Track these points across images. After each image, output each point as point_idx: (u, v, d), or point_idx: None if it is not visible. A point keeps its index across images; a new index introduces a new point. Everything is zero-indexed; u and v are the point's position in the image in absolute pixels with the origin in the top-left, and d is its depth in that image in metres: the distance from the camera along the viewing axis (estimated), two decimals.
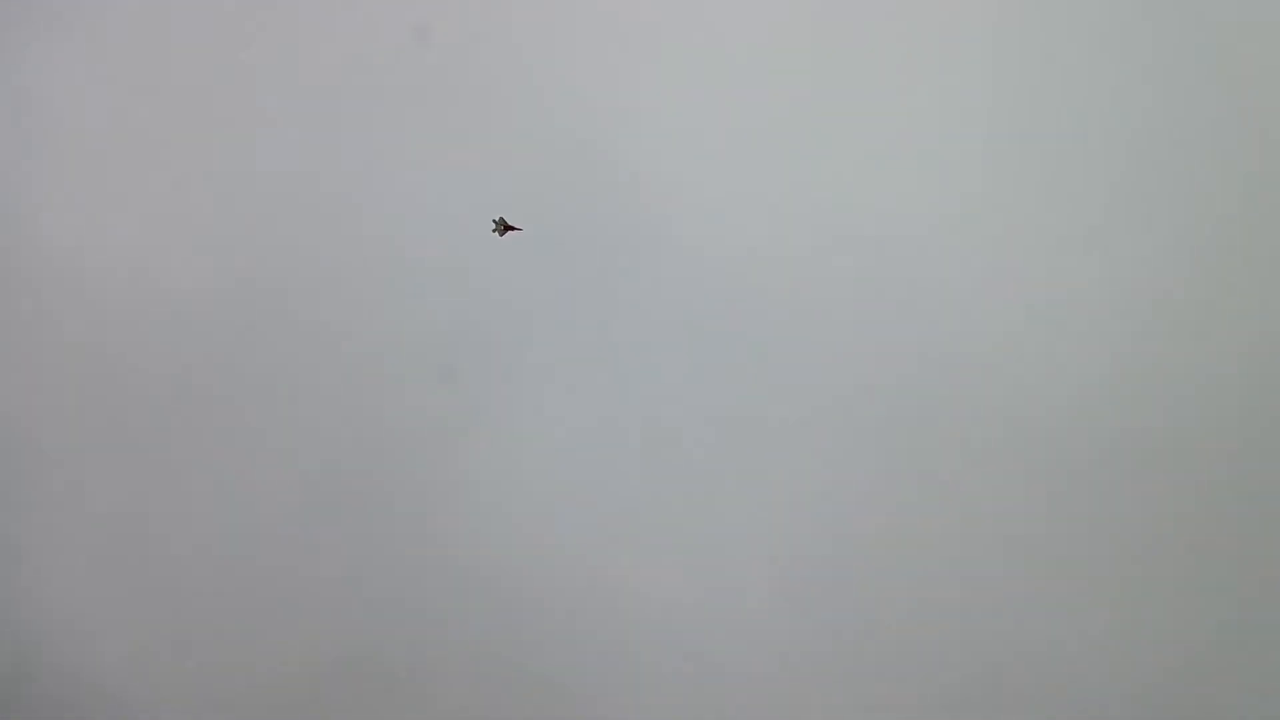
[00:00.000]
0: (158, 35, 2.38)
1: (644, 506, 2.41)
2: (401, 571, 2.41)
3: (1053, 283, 2.38)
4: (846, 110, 2.40)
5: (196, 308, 2.42)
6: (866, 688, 2.38)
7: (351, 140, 2.40)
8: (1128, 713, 2.36)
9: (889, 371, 2.40)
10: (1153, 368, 2.36)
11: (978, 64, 2.38)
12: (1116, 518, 2.37)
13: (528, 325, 2.42)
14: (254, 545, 2.41)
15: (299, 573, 2.41)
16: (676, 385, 2.41)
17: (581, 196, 2.43)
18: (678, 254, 2.42)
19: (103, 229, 2.41)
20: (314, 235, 2.41)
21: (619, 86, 2.42)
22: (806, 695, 2.39)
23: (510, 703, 2.39)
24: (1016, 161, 2.39)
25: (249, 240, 2.41)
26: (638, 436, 2.40)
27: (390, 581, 2.41)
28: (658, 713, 2.39)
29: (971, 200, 2.39)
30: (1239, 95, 2.37)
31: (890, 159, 2.40)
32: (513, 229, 2.34)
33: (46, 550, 2.42)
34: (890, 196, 2.39)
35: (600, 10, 2.41)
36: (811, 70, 2.40)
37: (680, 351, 2.41)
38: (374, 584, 2.42)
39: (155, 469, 2.42)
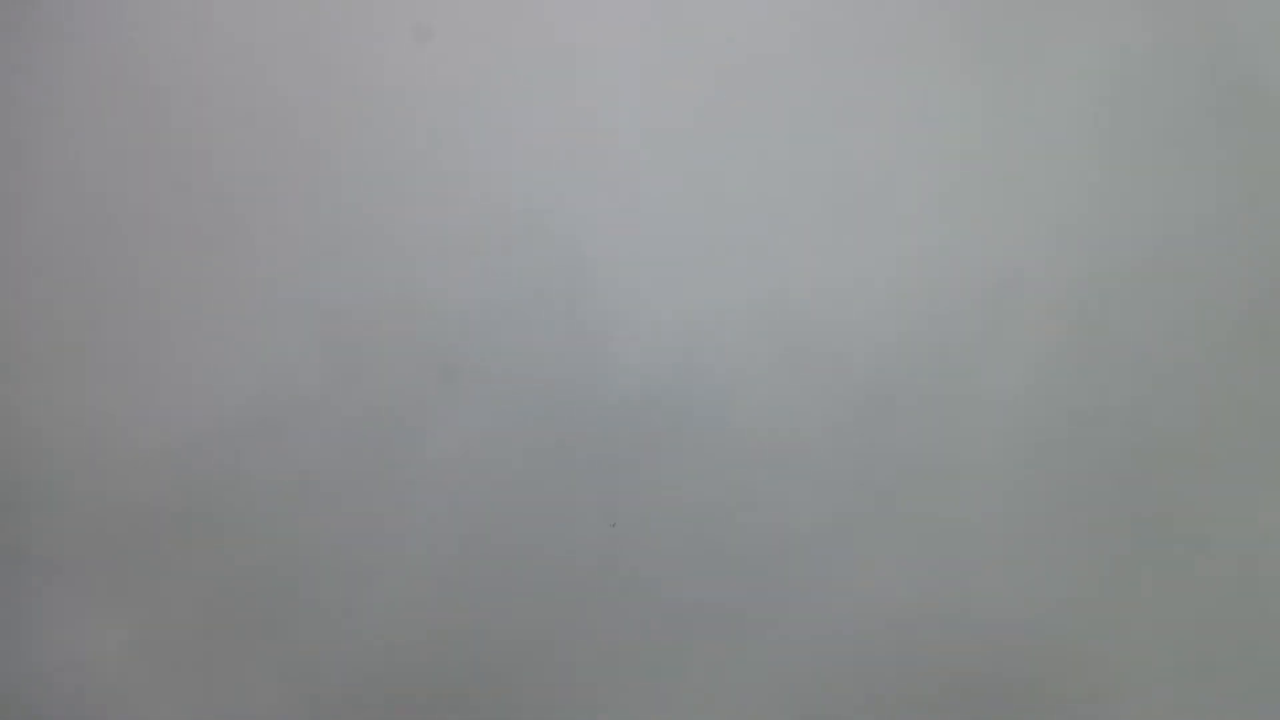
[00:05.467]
0: (155, 35, 2.40)
1: None
2: None
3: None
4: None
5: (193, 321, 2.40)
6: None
7: (351, 140, 2.43)
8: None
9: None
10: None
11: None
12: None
13: (530, 321, 2.43)
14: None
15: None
16: None
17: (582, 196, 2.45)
18: (642, 271, 2.45)
19: (100, 228, 2.41)
20: (314, 235, 2.42)
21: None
22: None
23: None
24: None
25: (249, 240, 2.41)
26: None
27: None
28: None
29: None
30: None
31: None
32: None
33: None
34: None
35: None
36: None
37: None
38: None
39: None
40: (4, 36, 2.38)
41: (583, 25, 2.44)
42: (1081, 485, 2.41)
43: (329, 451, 2.38)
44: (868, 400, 2.45)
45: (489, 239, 2.43)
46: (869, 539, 2.43)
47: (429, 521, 2.39)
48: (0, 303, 2.37)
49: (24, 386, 2.37)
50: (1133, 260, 2.44)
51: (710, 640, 2.42)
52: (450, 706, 2.38)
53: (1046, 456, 2.41)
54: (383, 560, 2.38)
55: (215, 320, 2.39)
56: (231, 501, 2.37)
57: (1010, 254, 2.46)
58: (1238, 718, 2.34)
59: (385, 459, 2.39)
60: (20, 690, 2.33)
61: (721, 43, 2.47)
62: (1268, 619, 2.37)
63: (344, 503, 2.38)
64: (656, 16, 2.45)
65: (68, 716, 2.32)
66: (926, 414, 2.45)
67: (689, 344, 2.45)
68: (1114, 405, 2.43)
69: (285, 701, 2.35)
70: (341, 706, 2.35)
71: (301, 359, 2.39)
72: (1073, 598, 2.39)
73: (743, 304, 2.46)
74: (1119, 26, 2.46)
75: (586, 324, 2.43)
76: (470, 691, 2.38)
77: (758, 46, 2.45)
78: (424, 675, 2.38)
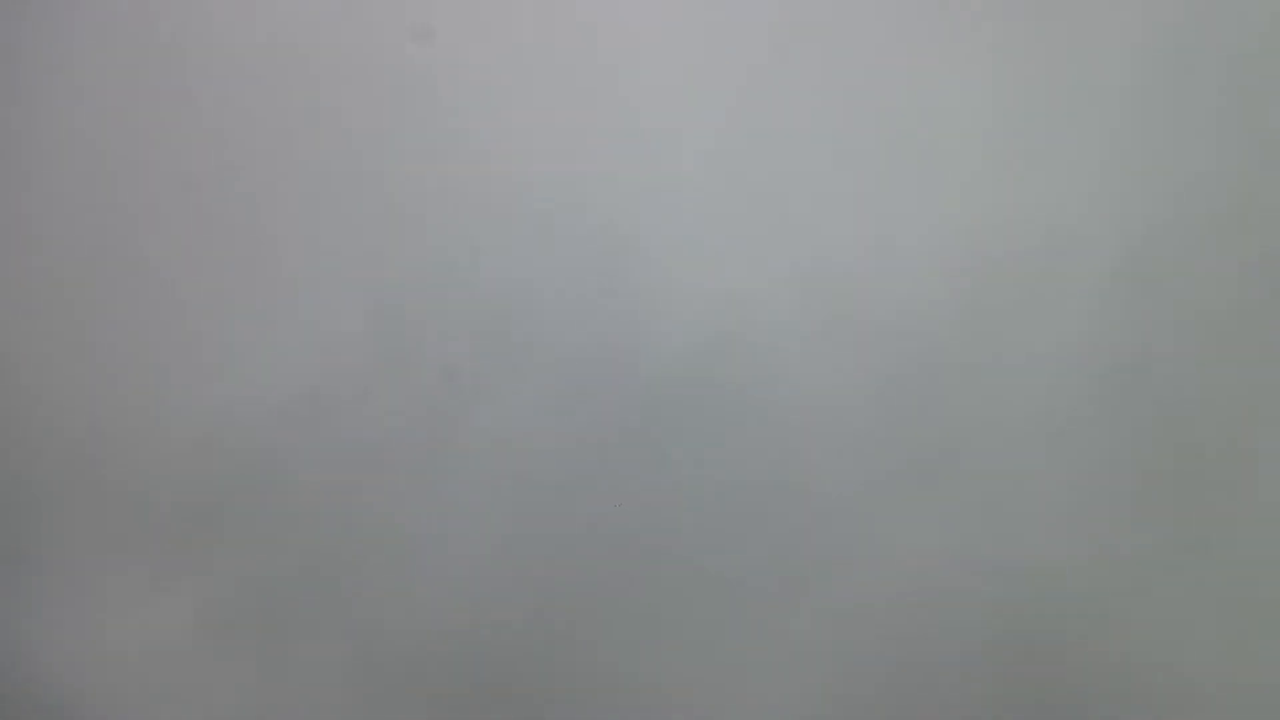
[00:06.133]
0: (153, 35, 2.41)
1: None
2: None
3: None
4: None
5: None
6: None
7: (394, 121, 2.42)
8: None
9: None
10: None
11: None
12: None
13: (571, 299, 2.43)
14: None
15: None
16: None
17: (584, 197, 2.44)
18: (681, 246, 2.43)
19: (99, 228, 2.42)
20: (355, 219, 2.41)
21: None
22: None
23: None
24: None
25: (292, 225, 2.41)
26: None
27: None
28: None
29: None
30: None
31: None
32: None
33: None
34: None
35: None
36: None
37: None
38: None
39: None
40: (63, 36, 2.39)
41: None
42: (1128, 445, 2.40)
43: (377, 432, 2.41)
44: (911, 365, 2.43)
45: (529, 219, 2.43)
46: (915, 504, 2.43)
47: (476, 499, 2.41)
48: (49, 296, 2.40)
49: (74, 376, 2.41)
50: (1181, 219, 2.40)
51: (757, 610, 2.43)
52: (500, 680, 2.42)
53: (1093, 417, 2.40)
54: (432, 538, 2.41)
55: (262, 305, 2.41)
56: (283, 486, 2.40)
57: (1054, 215, 2.42)
58: None
59: (432, 438, 2.40)
60: (77, 678, 2.39)
61: (754, 14, 2.42)
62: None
63: (393, 482, 2.40)
64: None
65: (128, 704, 2.38)
66: (970, 377, 2.43)
67: (730, 316, 2.44)
68: (1159, 364, 2.40)
69: (340, 681, 2.40)
70: (395, 684, 2.40)
71: (348, 342, 2.41)
72: (1120, 558, 2.38)
73: (783, 274, 2.44)
74: None
75: (627, 300, 2.43)
76: (520, 665, 2.42)
77: (793, 14, 2.41)
78: (475, 646, 2.42)
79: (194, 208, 2.42)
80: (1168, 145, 2.41)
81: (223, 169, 2.40)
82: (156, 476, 2.40)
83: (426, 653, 2.41)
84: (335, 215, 2.41)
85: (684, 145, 2.44)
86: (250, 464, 2.40)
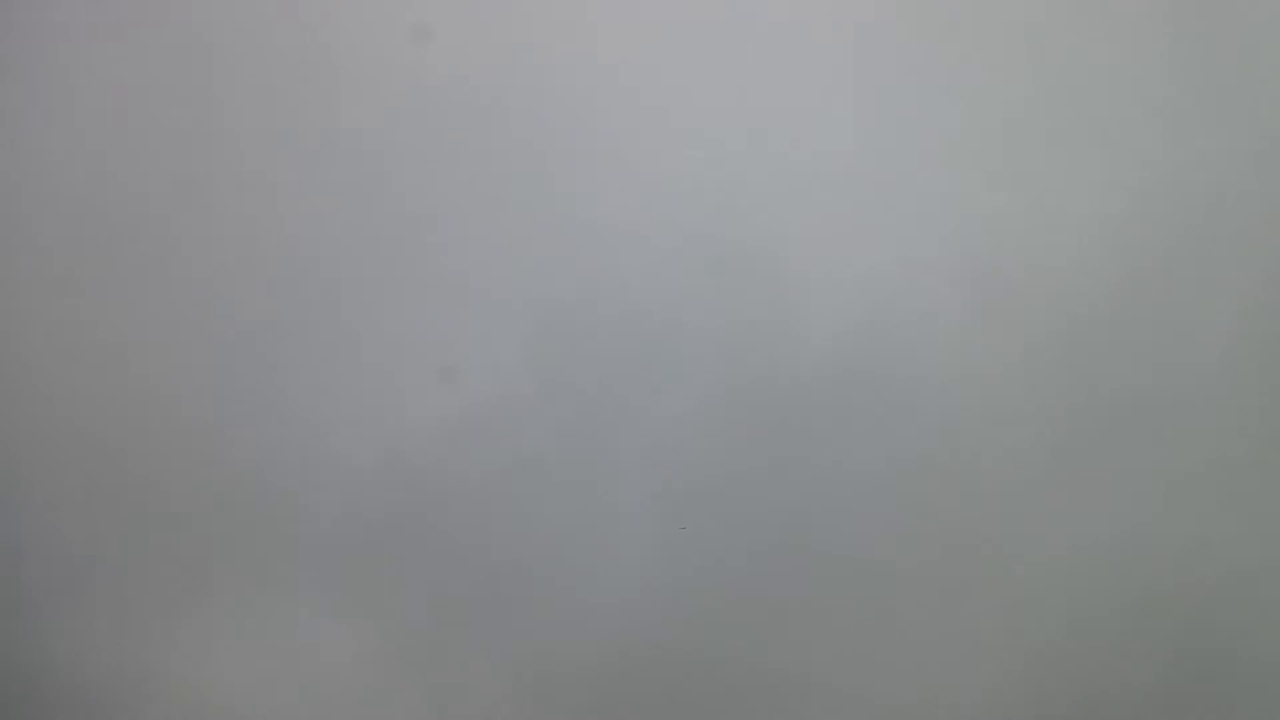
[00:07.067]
0: (152, 35, 2.35)
1: None
2: None
3: None
4: None
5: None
6: None
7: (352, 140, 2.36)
8: None
9: None
10: None
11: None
12: None
13: (720, 302, 2.38)
14: None
15: None
16: None
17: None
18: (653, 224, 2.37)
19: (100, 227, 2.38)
20: (510, 235, 2.37)
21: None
22: None
23: None
24: None
25: (447, 244, 2.37)
26: None
27: None
28: None
29: None
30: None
31: None
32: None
33: None
34: None
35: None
36: None
37: None
38: None
39: None
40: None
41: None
42: None
43: (538, 450, 2.39)
44: (1070, 338, 2.37)
45: (674, 226, 2.38)
46: (1080, 486, 2.39)
47: (638, 509, 2.40)
48: (216, 326, 2.38)
49: (240, 406, 2.39)
50: None
51: (925, 602, 2.41)
52: (674, 687, 2.42)
53: (1266, 395, 2.33)
54: (598, 550, 2.40)
55: (427, 332, 2.39)
56: (447, 509, 2.39)
57: (1215, 171, 2.33)
58: None
59: (592, 452, 2.38)
60: (243, 711, 2.41)
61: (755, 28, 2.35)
62: None
63: (556, 498, 2.39)
64: None
65: None
66: (1133, 346, 2.37)
67: (878, 304, 2.40)
68: None
69: (511, 701, 2.41)
70: (568, 701, 2.41)
71: (508, 364, 2.39)
72: None
73: (930, 255, 2.39)
74: None
75: (774, 298, 2.38)
76: (692, 671, 2.41)
77: None
78: (646, 655, 2.42)
79: (356, 237, 2.38)
80: None
81: (375, 193, 2.37)
82: (321, 505, 2.39)
83: (597, 666, 2.41)
84: (492, 238, 2.38)
85: (820, 135, 2.37)
86: (415, 489, 2.39)
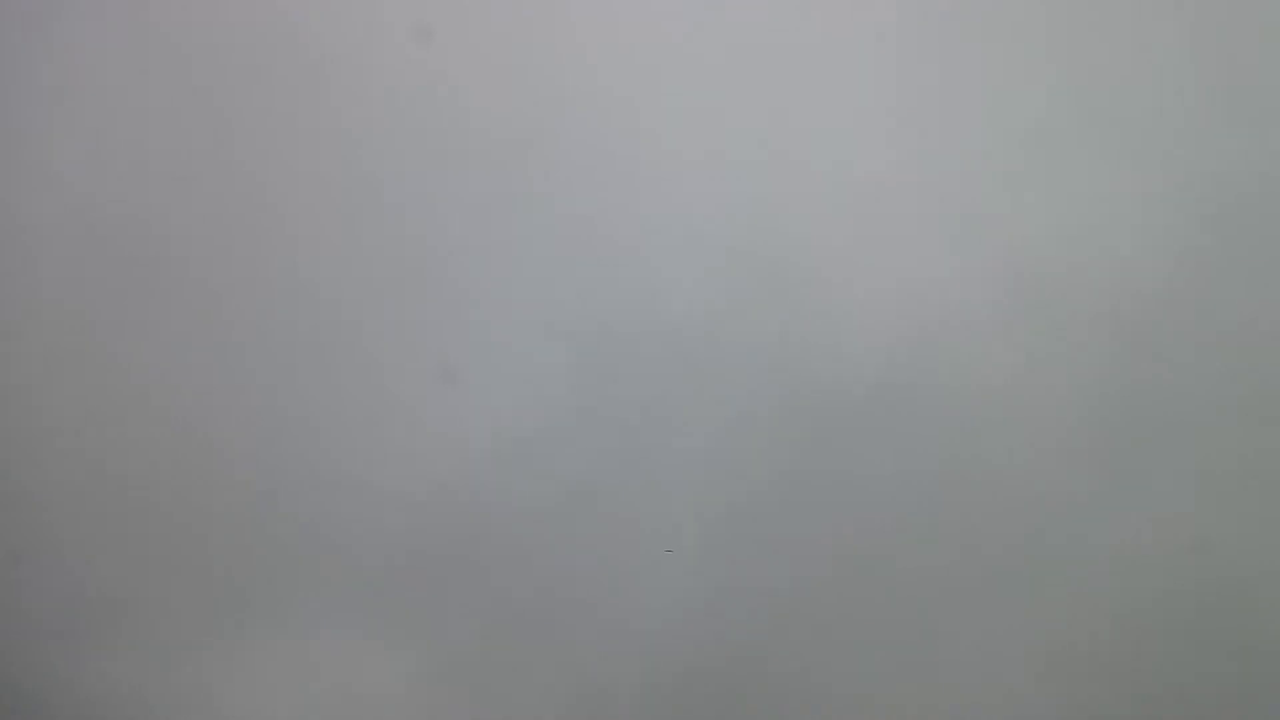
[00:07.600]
0: (152, 34, 2.34)
1: None
2: None
3: None
4: None
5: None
6: None
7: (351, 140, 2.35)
8: None
9: None
10: None
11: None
12: None
13: (760, 316, 2.36)
14: None
15: None
16: None
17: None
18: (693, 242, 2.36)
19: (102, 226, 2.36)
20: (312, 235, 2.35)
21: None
22: None
23: None
24: None
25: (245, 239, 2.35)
26: None
27: None
28: None
29: None
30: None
31: None
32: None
33: None
34: None
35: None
36: None
37: None
38: None
39: None
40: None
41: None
42: None
43: (584, 471, 2.37)
44: (1121, 345, 2.34)
45: (712, 239, 2.36)
46: (1126, 494, 2.36)
47: (684, 527, 2.38)
48: (262, 361, 2.37)
49: (287, 432, 2.38)
50: None
51: (969, 611, 2.38)
52: (721, 707, 2.40)
53: None
54: (645, 569, 2.37)
55: (474, 358, 2.38)
56: (495, 532, 2.37)
57: (1254, 175, 2.31)
58: None
59: (637, 471, 2.37)
60: None
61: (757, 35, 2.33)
62: None
63: (602, 519, 2.37)
64: None
65: None
66: (1177, 352, 2.34)
67: (920, 316, 2.37)
68: None
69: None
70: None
71: (552, 387, 2.37)
72: None
73: (970, 266, 2.36)
74: None
75: (816, 312, 2.36)
76: (743, 689, 2.39)
77: None
78: (693, 678, 2.39)
79: (362, 248, 2.37)
80: None
81: (386, 198, 2.35)
82: (367, 533, 2.38)
83: (645, 690, 2.39)
84: (532, 258, 2.37)
85: (857, 148, 2.35)
86: (462, 513, 2.38)
